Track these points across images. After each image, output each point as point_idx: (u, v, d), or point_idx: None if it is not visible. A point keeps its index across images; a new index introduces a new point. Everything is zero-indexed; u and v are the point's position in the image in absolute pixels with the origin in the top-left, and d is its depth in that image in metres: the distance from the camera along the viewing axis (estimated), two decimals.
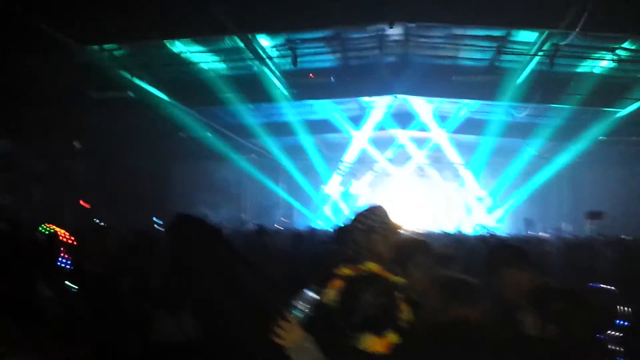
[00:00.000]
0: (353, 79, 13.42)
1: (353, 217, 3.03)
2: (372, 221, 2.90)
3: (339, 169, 21.35)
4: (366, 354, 1.96)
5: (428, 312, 2.40)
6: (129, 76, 11.35)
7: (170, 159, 15.27)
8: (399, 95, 14.68)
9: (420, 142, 20.19)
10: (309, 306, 1.97)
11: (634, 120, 13.60)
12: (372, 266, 2.16)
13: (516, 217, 20.23)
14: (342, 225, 3.24)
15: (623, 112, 13.07)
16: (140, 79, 11.68)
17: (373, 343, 1.99)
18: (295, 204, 21.74)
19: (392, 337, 2.01)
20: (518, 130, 16.33)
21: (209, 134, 16.28)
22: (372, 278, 2.09)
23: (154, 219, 11.22)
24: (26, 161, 13.48)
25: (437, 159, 21.02)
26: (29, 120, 12.10)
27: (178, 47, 11.44)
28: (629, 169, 17.43)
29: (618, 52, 10.70)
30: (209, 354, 2.59)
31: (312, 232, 10.01)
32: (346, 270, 2.10)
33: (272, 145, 18.22)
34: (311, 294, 1.99)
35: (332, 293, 2.05)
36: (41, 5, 8.13)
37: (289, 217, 21.94)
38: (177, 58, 11.72)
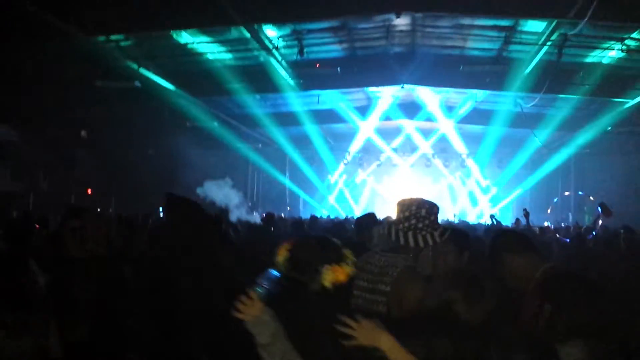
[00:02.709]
0: (360, 69, 13.39)
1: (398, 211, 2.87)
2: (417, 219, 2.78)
3: (345, 158, 21.36)
4: (323, 326, 2.01)
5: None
6: (135, 66, 11.35)
7: (177, 148, 15.29)
8: (405, 86, 14.60)
9: (426, 133, 20.16)
10: (270, 282, 2.07)
11: None
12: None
13: (520, 207, 20.17)
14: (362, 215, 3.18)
15: (631, 102, 12.97)
16: (147, 69, 11.68)
17: (334, 273, 2.13)
18: (301, 194, 21.79)
19: (347, 268, 2.19)
20: (525, 121, 16.23)
21: (216, 124, 16.30)
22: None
23: (161, 208, 11.27)
24: (33, 150, 13.55)
25: (443, 149, 21.00)
26: (35, 110, 12.15)
27: (184, 37, 11.42)
28: (637, 159, 17.32)
29: (627, 42, 10.59)
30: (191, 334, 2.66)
31: (315, 220, 10.07)
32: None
33: (278, 135, 18.25)
34: (274, 272, 2.08)
35: (282, 255, 2.23)
36: None
37: (295, 206, 22.01)
38: (183, 49, 11.71)
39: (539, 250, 3.16)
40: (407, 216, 2.77)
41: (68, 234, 3.47)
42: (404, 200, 2.88)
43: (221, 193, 16.76)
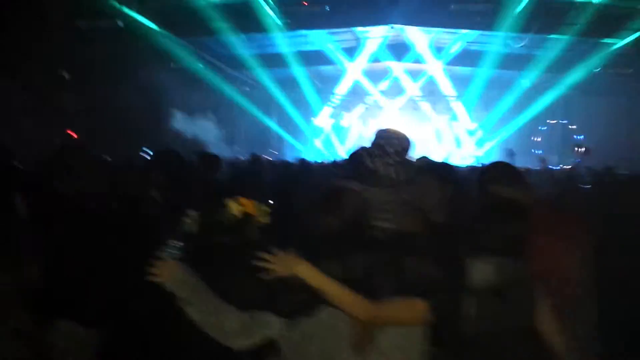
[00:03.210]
0: (348, 8, 13.05)
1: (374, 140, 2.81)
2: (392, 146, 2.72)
3: (331, 101, 21.16)
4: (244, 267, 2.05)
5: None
6: (117, 4, 10.93)
7: (162, 90, 14.96)
8: (395, 26, 14.33)
9: (414, 74, 19.93)
10: (180, 238, 2.11)
11: (630, 52, 13.49)
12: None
13: (505, 150, 20.34)
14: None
15: (620, 43, 12.93)
16: (130, 8, 11.27)
17: (237, 204, 2.24)
18: (286, 136, 21.66)
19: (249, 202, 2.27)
20: (514, 62, 16.17)
21: (200, 65, 15.93)
22: None
23: (143, 149, 11.15)
24: (13, 94, 13.14)
25: (431, 91, 20.85)
26: (14, 52, 11.71)
27: None
28: (624, 101, 17.42)
29: None
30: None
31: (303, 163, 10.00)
32: None
33: (264, 76, 17.92)
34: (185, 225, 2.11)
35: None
36: None
37: (280, 149, 21.92)
38: None
39: (529, 184, 3.16)
40: (380, 144, 2.72)
41: (57, 172, 3.42)
42: (382, 130, 2.84)
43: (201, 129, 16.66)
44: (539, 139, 19.65)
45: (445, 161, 4.49)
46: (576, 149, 9.51)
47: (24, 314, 2.52)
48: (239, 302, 2.05)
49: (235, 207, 2.29)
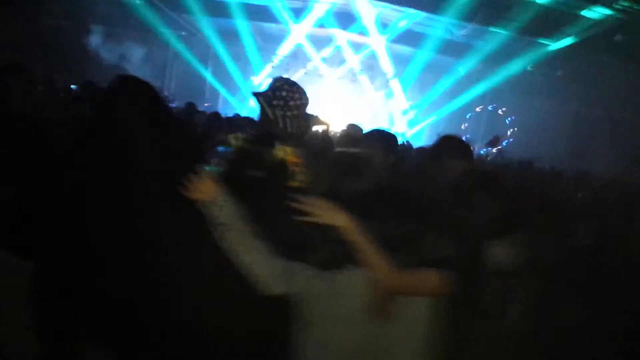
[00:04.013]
0: None
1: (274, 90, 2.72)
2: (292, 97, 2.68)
3: (272, 61, 20.79)
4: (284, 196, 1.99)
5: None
6: None
7: (94, 22, 14.06)
8: None
9: (357, 47, 19.93)
10: (221, 158, 2.00)
11: (562, 55, 14.17)
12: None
13: (434, 133, 20.97)
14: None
15: (554, 46, 13.53)
16: None
17: (285, 152, 2.14)
18: (222, 91, 21.14)
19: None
20: (453, 49, 16.56)
21: (138, 1, 15.08)
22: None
23: (71, 86, 10.49)
24: None
25: (370, 66, 20.97)
26: None
27: None
28: (551, 102, 18.34)
29: None
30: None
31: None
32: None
33: (205, 24, 17.26)
34: (222, 148, 2.00)
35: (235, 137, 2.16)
36: None
37: (215, 103, 21.38)
38: None
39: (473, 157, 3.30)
40: (282, 96, 2.66)
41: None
42: (283, 79, 2.78)
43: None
44: (467, 125, 20.34)
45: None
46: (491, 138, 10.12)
47: None
48: (271, 242, 1.96)
49: (283, 152, 2.15)
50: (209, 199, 1.89)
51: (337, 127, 11.70)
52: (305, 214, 1.89)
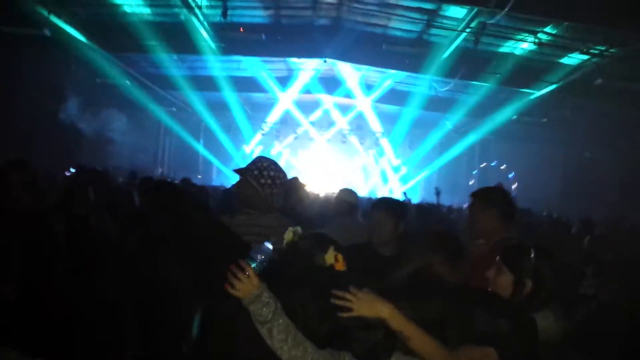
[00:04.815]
0: (284, 38, 13.16)
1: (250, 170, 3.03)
2: (264, 174, 2.99)
3: (262, 129, 21.16)
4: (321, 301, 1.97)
5: None
6: (45, 12, 10.43)
7: (85, 105, 14.32)
8: (327, 60, 14.62)
9: (344, 109, 20.39)
10: (266, 255, 1.95)
11: (545, 102, 14.49)
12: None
13: (428, 187, 21.09)
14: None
15: (536, 94, 13.85)
16: (58, 17, 10.79)
17: (331, 257, 2.10)
18: (215, 162, 21.35)
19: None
20: (438, 104, 16.93)
21: (128, 82, 15.45)
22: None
23: (71, 169, 10.56)
24: None
25: (359, 126, 21.39)
26: None
27: None
28: (537, 147, 18.61)
29: (539, 35, 11.23)
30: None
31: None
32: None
33: (194, 99, 17.66)
34: (269, 245, 1.97)
35: (289, 236, 2.13)
36: None
37: (208, 174, 21.55)
38: None
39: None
40: (270, 175, 2.98)
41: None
42: (268, 160, 3.09)
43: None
44: (473, 181, 20.55)
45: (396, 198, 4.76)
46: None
47: None
48: (313, 337, 1.93)
49: (331, 258, 2.12)
50: (250, 297, 1.89)
51: (329, 190, 11.78)
52: (349, 308, 1.89)
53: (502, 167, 18.68)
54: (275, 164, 3.07)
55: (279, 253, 2.03)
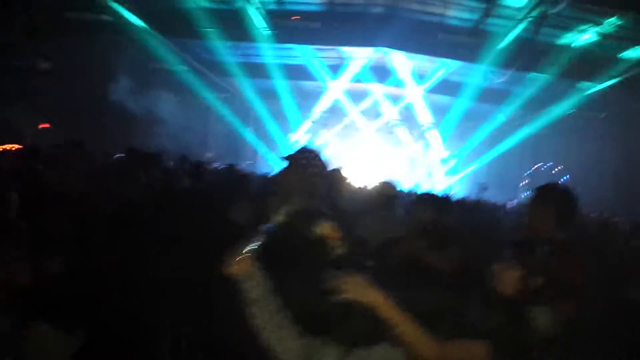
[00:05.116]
0: (338, 27, 13.13)
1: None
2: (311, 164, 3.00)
3: (310, 117, 21.20)
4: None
5: None
6: None
7: (141, 88, 14.73)
8: (381, 49, 14.50)
9: (394, 99, 20.18)
10: (261, 238, 2.04)
11: (604, 97, 13.95)
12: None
13: (476, 181, 20.67)
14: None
15: (595, 88, 13.37)
16: (118, 3, 11.11)
17: (325, 227, 2.15)
18: (262, 149, 21.57)
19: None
20: (492, 96, 16.53)
21: (183, 68, 15.77)
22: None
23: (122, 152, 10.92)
24: None
25: (408, 117, 21.11)
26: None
27: None
28: (595, 144, 17.95)
29: (603, 26, 10.81)
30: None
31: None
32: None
33: (245, 86, 17.85)
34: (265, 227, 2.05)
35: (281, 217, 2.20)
36: None
37: (254, 161, 21.80)
38: None
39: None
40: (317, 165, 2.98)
41: (47, 167, 3.34)
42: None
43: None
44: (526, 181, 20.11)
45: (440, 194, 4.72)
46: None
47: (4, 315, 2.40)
48: (300, 317, 1.97)
49: (326, 229, 2.19)
50: (244, 275, 1.95)
51: (372, 181, 11.72)
52: (336, 290, 1.86)
53: (555, 170, 18.13)
54: (320, 154, 3.10)
55: (275, 234, 2.07)
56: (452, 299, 2.04)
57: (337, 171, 5.10)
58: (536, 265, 2.25)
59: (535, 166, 20.06)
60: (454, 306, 2.02)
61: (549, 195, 3.20)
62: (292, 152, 3.11)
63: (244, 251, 1.98)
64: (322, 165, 3.01)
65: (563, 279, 2.28)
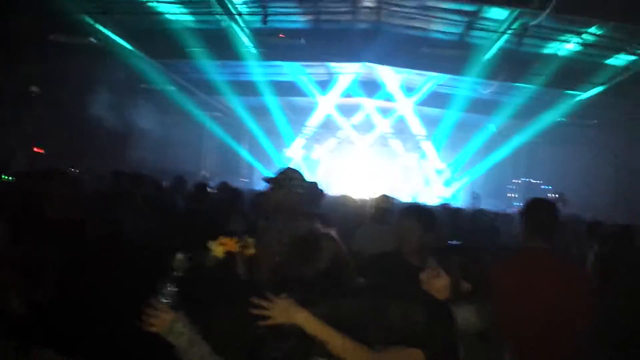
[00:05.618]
0: (323, 43, 13.22)
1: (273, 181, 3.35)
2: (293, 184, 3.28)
3: (303, 132, 21.26)
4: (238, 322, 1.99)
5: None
6: (91, 22, 10.85)
7: (131, 110, 14.81)
8: (367, 64, 14.57)
9: (385, 112, 20.23)
10: (174, 283, 2.01)
11: (593, 104, 13.97)
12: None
13: (471, 191, 20.64)
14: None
15: (583, 95, 13.38)
16: (104, 25, 11.20)
17: (221, 245, 2.22)
18: (257, 165, 21.59)
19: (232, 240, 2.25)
20: (481, 107, 16.58)
21: (172, 88, 15.85)
22: None
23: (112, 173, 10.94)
24: None
25: (401, 129, 21.16)
26: None
27: None
28: (587, 150, 17.94)
29: (584, 36, 10.86)
30: None
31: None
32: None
33: (236, 104, 17.91)
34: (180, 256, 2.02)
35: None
36: None
37: (249, 178, 21.83)
38: (143, 6, 11.27)
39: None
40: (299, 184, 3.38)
41: (37, 194, 3.36)
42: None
43: None
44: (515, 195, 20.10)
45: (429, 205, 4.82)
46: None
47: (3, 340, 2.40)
48: (228, 346, 1.97)
49: (217, 248, 2.21)
50: (165, 330, 1.94)
51: (368, 194, 11.71)
52: (263, 316, 1.89)
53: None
54: (301, 173, 3.46)
55: (190, 272, 2.05)
56: (371, 305, 2.05)
57: (312, 185, 5.15)
58: (462, 272, 2.29)
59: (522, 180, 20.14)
60: (373, 312, 2.03)
61: (525, 209, 3.28)
62: (273, 174, 3.42)
63: (159, 303, 1.96)
64: (303, 184, 3.28)
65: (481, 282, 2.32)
